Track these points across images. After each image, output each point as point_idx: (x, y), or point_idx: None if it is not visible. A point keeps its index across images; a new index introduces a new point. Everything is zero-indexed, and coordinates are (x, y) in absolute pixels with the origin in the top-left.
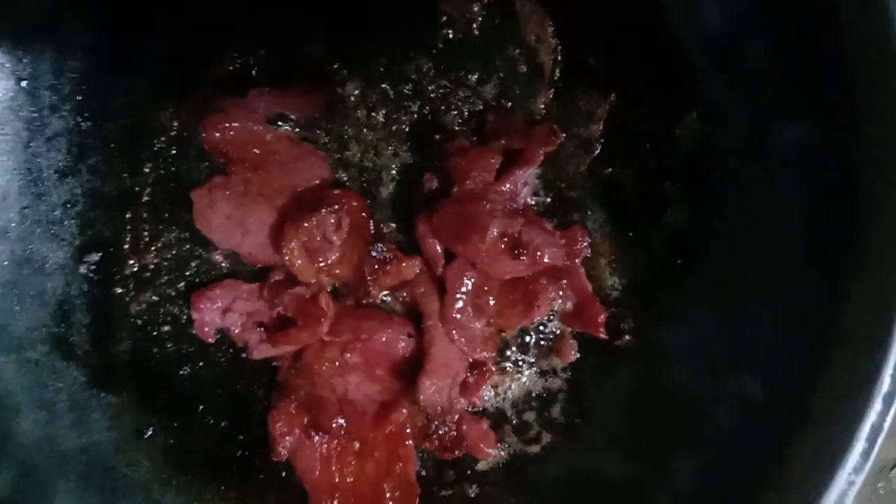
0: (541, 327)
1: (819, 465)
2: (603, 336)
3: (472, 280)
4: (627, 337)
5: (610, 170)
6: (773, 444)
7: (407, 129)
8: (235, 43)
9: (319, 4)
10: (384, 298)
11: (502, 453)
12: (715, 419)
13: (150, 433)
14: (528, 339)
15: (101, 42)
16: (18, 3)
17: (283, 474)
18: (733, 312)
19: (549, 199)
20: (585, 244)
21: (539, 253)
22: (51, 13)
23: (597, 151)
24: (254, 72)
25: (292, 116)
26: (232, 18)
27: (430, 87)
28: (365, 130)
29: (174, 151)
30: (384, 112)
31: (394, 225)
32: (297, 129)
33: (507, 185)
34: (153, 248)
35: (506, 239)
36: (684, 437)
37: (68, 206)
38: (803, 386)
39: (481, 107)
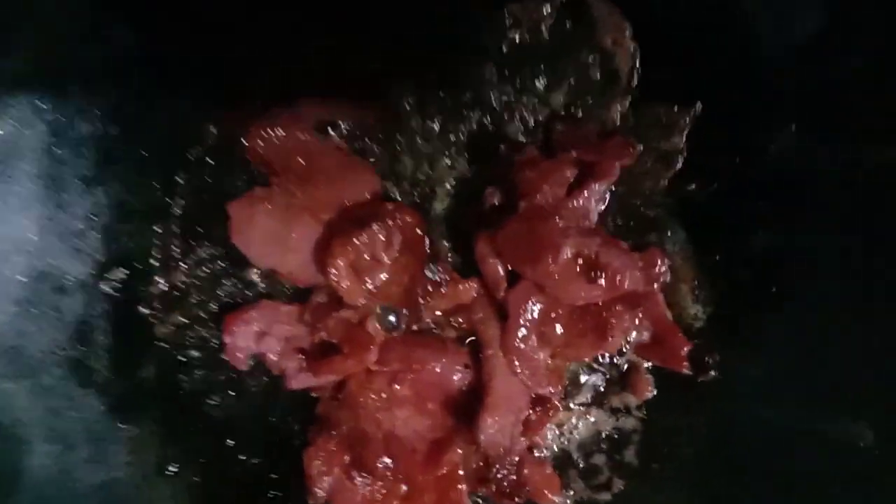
0: (613, 360)
1: None
2: (686, 371)
3: (539, 306)
4: (712, 372)
5: (692, 186)
6: (883, 492)
7: (465, 140)
8: (283, 49)
9: (372, 4)
10: (439, 325)
11: (568, 501)
12: (814, 464)
13: (174, 469)
14: (597, 374)
15: (142, 47)
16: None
17: None
18: (834, 345)
19: (622, 219)
20: (665, 268)
21: (619, 277)
22: (92, 20)
23: (678, 166)
24: (302, 79)
25: (342, 125)
26: (280, 24)
27: (492, 95)
28: (419, 141)
29: (212, 161)
30: (440, 121)
31: (449, 244)
32: (347, 140)
33: (580, 202)
34: (184, 265)
35: (580, 260)
36: (776, 484)
37: (93, 217)
38: None
39: (549, 116)
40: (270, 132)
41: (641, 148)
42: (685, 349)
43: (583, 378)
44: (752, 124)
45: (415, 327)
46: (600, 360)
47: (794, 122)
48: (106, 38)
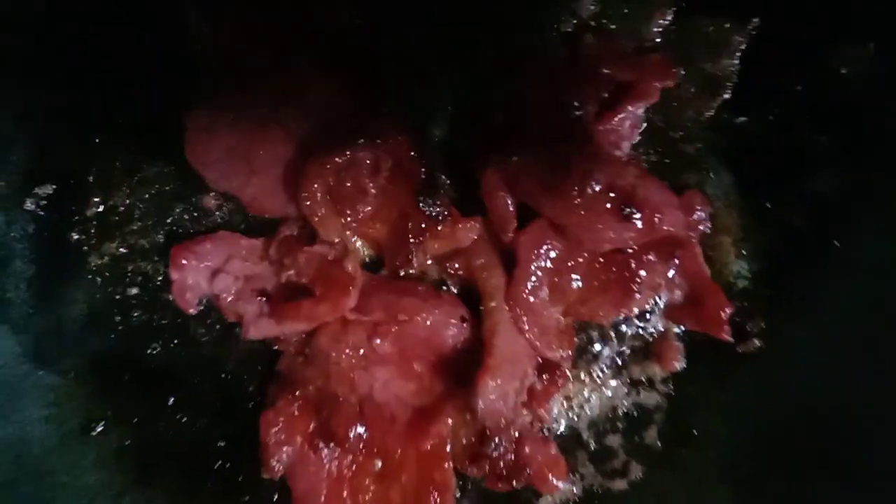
0: (637, 322)
1: None
2: (726, 339)
3: (554, 251)
4: (756, 341)
5: (744, 119)
6: None
7: (470, 49)
8: None
9: None
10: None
11: (575, 489)
12: (875, 445)
13: (100, 429)
14: (617, 337)
15: None
16: None
17: (276, 497)
18: None
19: (656, 155)
20: (705, 215)
21: (658, 216)
22: None
23: (727, 94)
24: None
25: (320, 20)
26: None
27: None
28: (414, 48)
29: (168, 59)
30: (441, 23)
31: (448, 174)
32: (328, 40)
33: (613, 125)
34: (127, 183)
35: (612, 194)
36: (829, 470)
37: (22, 119)
38: None
39: (575, 27)
40: (238, 22)
41: (683, 70)
42: (726, 312)
43: (599, 342)
44: (821, 43)
45: (402, 272)
46: (622, 322)
47: (874, 40)
48: None
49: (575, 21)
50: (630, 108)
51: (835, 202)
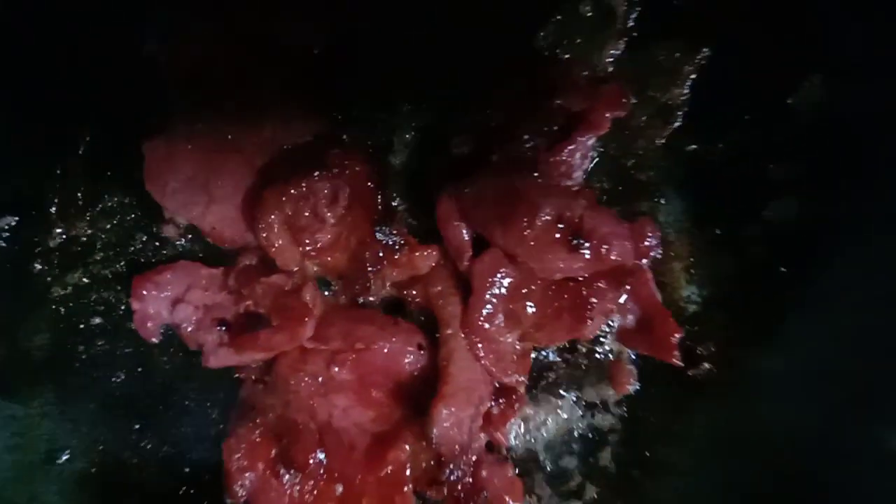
0: (590, 347)
1: None
2: (676, 363)
3: (508, 279)
4: (706, 365)
5: (694, 146)
6: None
7: (431, 78)
8: None
9: None
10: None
11: None
12: (833, 478)
13: (65, 458)
14: (572, 362)
15: None
16: None
17: None
18: (864, 336)
19: (609, 182)
20: (656, 242)
21: (605, 247)
22: None
23: (678, 122)
24: None
25: (282, 44)
26: None
27: (464, 27)
28: (376, 77)
29: (127, 87)
30: (402, 55)
31: (407, 203)
32: (289, 66)
33: (564, 156)
34: (88, 214)
35: (561, 225)
36: (785, 500)
37: None
38: None
39: (531, 56)
40: (197, 43)
41: (635, 99)
42: (676, 336)
43: (555, 367)
44: (770, 73)
45: (360, 300)
46: (576, 346)
47: (822, 71)
48: None
49: (530, 51)
50: (581, 138)
51: (791, 228)
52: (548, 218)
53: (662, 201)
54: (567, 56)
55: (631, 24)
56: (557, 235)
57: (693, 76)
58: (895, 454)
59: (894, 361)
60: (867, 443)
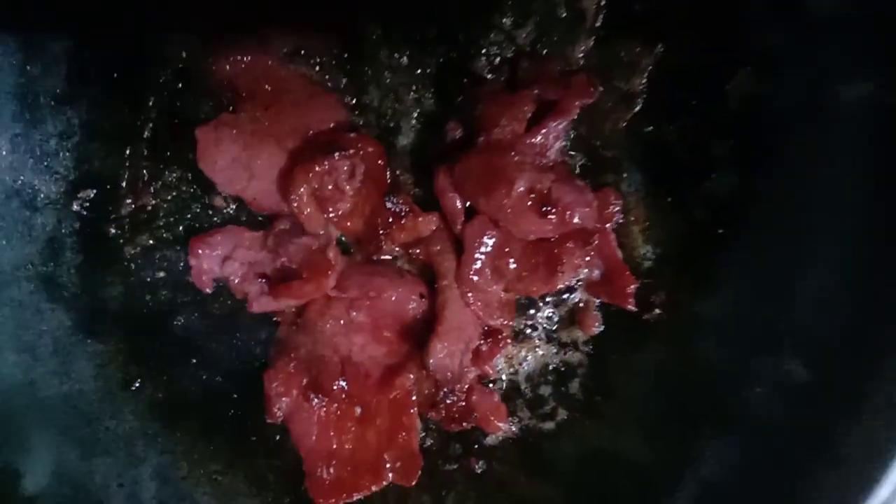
0: (563, 296)
1: (870, 456)
2: (632, 308)
3: (493, 240)
4: (657, 311)
5: (651, 128)
6: (817, 429)
7: (431, 74)
8: None
9: None
10: (397, 255)
11: (513, 428)
12: (751, 401)
13: (137, 385)
14: (548, 307)
15: None
16: None
17: (278, 438)
18: (776, 286)
19: (581, 158)
20: (618, 208)
21: (569, 212)
22: None
23: (638, 107)
24: (271, 5)
25: (309, 53)
26: None
27: (459, 30)
28: (386, 73)
29: (180, 85)
30: (408, 54)
31: (411, 177)
32: (314, 68)
33: (539, 138)
34: (152, 187)
35: (533, 195)
36: (716, 419)
37: (64, 137)
38: (857, 369)
39: (514, 53)
40: (238, 58)
41: (603, 88)
42: (632, 287)
43: (534, 313)
44: (711, 66)
45: (374, 257)
46: (551, 295)
47: (751, 64)
48: None
49: (514, 48)
50: (553, 123)
51: (727, 197)
52: (522, 190)
53: (625, 174)
54: (545, 52)
55: (599, 24)
56: (530, 204)
57: (650, 68)
58: (793, 380)
59: (799, 306)
60: (774, 371)
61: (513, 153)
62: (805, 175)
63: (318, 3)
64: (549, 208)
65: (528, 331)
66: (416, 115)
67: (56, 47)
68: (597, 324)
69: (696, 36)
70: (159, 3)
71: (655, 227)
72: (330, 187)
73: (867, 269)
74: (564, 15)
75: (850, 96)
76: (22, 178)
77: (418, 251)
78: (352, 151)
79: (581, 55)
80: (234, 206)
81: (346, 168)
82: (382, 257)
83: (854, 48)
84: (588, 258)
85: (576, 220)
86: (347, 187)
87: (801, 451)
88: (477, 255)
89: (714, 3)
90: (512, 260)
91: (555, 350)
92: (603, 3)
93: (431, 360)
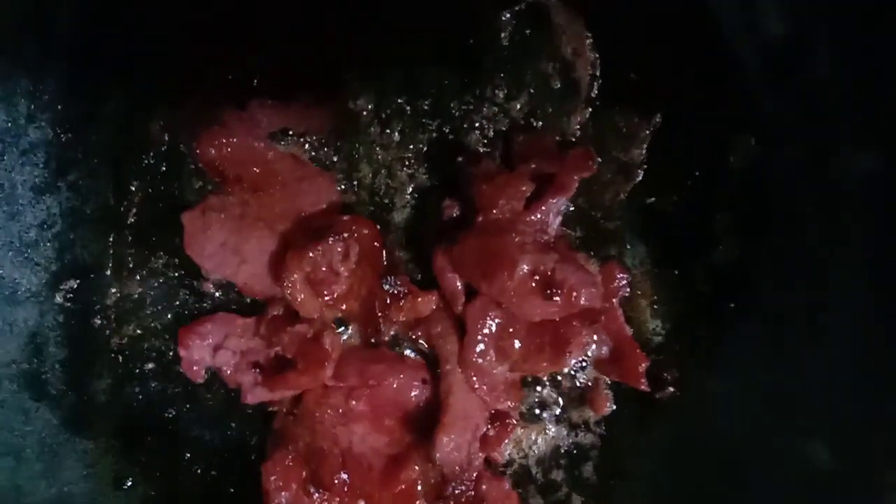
0: (572, 375)
1: None
2: (644, 388)
3: (497, 321)
4: (670, 388)
5: (652, 199)
6: None
7: (425, 149)
8: (235, 47)
9: (328, 5)
10: (397, 338)
11: None
12: (771, 484)
13: (129, 483)
14: (556, 388)
15: (85, 41)
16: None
17: None
18: (794, 364)
19: (582, 231)
20: (624, 283)
21: (574, 294)
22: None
23: (638, 178)
24: (255, 81)
25: (298, 132)
26: (232, 19)
27: (451, 103)
28: (378, 149)
29: (164, 168)
30: (400, 129)
31: (408, 255)
32: (303, 147)
33: (538, 215)
34: (138, 275)
35: (537, 277)
36: (735, 499)
37: (44, 227)
38: (882, 455)
39: (508, 126)
40: (222, 139)
41: (601, 160)
42: (643, 365)
43: (542, 393)
44: (712, 136)
45: (372, 341)
46: (560, 375)
47: (754, 135)
48: (48, 33)
49: (508, 121)
50: (552, 200)
51: (734, 268)
52: (524, 272)
53: (628, 246)
54: (540, 124)
55: (594, 94)
56: (534, 286)
57: (649, 138)
58: (810, 460)
59: (815, 382)
60: (790, 451)
61: (513, 233)
62: (813, 244)
63: (305, 80)
64: (553, 290)
65: (537, 412)
66: (410, 190)
67: (33, 134)
68: (608, 403)
69: (694, 105)
70: (140, 83)
71: (663, 300)
72: (324, 270)
73: (883, 342)
74: (558, 86)
75: (857, 163)
76: (1, 271)
77: (419, 333)
78: (346, 234)
79: (577, 126)
80: (224, 292)
81: (340, 250)
82: (381, 341)
83: (859, 113)
84: (596, 336)
85: (582, 301)
86: (342, 269)
87: None
88: (480, 337)
89: (711, 70)
90: (517, 341)
91: (565, 432)
92: (597, 73)
93: (438, 455)
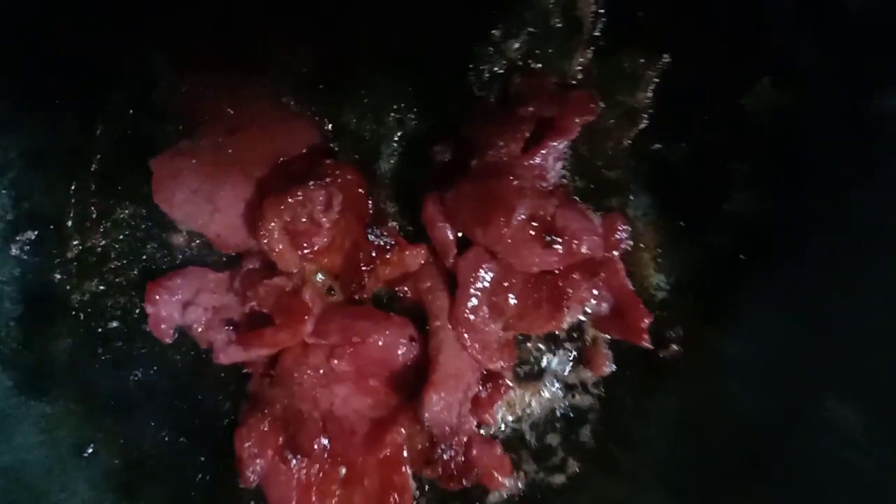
0: (570, 333)
1: None
2: (646, 345)
3: (491, 274)
4: (675, 347)
5: (659, 146)
6: (875, 484)
7: (415, 92)
8: None
9: None
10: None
11: (519, 484)
12: (793, 452)
13: (90, 451)
14: (553, 347)
15: None
16: None
17: None
18: (815, 318)
19: (582, 181)
20: (626, 235)
21: (575, 241)
22: None
23: (643, 124)
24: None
25: (278, 71)
26: None
27: (444, 43)
28: (363, 92)
29: (132, 110)
30: (389, 70)
31: (396, 207)
32: (284, 87)
33: (538, 159)
34: (102, 226)
35: (535, 223)
36: (750, 471)
37: (1, 171)
38: None
39: (506, 68)
40: (198, 76)
41: (604, 104)
42: (646, 321)
43: (537, 352)
44: (724, 78)
45: (356, 298)
46: (556, 333)
47: (772, 74)
48: None
49: (505, 62)
50: (552, 143)
51: (748, 220)
52: (523, 217)
53: (631, 197)
54: (539, 65)
55: (597, 33)
56: (532, 233)
57: (656, 81)
58: (829, 420)
59: (834, 339)
60: (809, 412)
61: (511, 177)
62: (838, 191)
63: (290, 14)
64: (553, 237)
65: (532, 372)
66: (397, 137)
67: None
68: (607, 363)
69: (706, 43)
70: (110, 19)
71: (668, 254)
72: (304, 220)
73: None
74: (559, 25)
75: (892, 104)
76: None
77: (406, 289)
78: (328, 180)
79: (579, 68)
80: (195, 245)
81: (321, 198)
82: (366, 297)
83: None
84: (596, 291)
85: (583, 249)
86: (324, 220)
87: None
88: (472, 292)
89: (724, 5)
90: (512, 295)
91: (562, 394)
92: (601, 10)
93: (427, 414)
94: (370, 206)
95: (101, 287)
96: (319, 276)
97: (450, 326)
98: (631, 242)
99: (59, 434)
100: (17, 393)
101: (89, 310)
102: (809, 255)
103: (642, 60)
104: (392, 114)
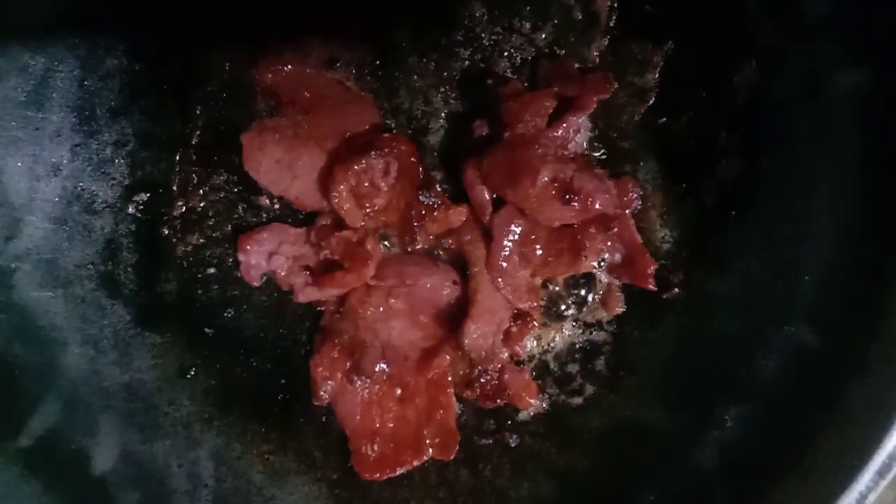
0: (587, 279)
1: (876, 412)
2: (652, 288)
3: (520, 228)
4: (676, 289)
5: (664, 120)
6: (827, 391)
7: (457, 76)
8: None
9: None
10: (431, 246)
11: (544, 404)
12: (765, 368)
13: (192, 373)
14: (573, 290)
15: None
16: None
17: (324, 419)
18: (785, 261)
19: (600, 150)
20: (636, 195)
21: (590, 199)
22: None
23: (651, 101)
24: (307, 15)
25: (344, 61)
26: None
27: (482, 34)
28: (415, 77)
29: (225, 95)
30: (435, 58)
31: (442, 173)
32: (349, 75)
33: (560, 132)
34: (201, 190)
35: (556, 184)
36: (732, 387)
37: (119, 145)
38: (860, 333)
39: (534, 54)
40: (279, 68)
41: (618, 84)
42: (652, 268)
43: (560, 296)
44: (718, 62)
45: (409, 249)
46: (576, 278)
47: (755, 57)
48: None
49: (533, 50)
50: (573, 117)
51: (736, 182)
52: (546, 180)
53: (641, 163)
54: (562, 52)
55: (612, 24)
56: (554, 193)
57: (661, 64)
58: (804, 345)
59: (804, 278)
60: (786, 340)
61: (536, 146)
62: (806, 158)
63: (351, 15)
64: (571, 196)
65: (555, 313)
66: (444, 115)
67: (111, 63)
68: (619, 304)
69: (702, 33)
70: (205, 22)
71: (671, 212)
72: (367, 184)
73: (865, 242)
74: (580, 17)
75: (847, 83)
76: (81, 184)
77: (450, 241)
78: (386, 150)
79: (596, 54)
80: (278, 206)
81: (381, 166)
82: (417, 248)
83: (849, 40)
84: (609, 242)
85: (597, 205)
86: (383, 184)
87: (811, 412)
88: (505, 243)
89: (717, 2)
90: (538, 246)
91: (581, 330)
92: (615, 4)
93: (466, 341)
94: (421, 172)
95: (201, 240)
96: (379, 232)
97: (486, 272)
98: (640, 202)
99: (168, 359)
100: (135, 325)
101: (191, 259)
102: (779, 210)
103: (650, 47)
104: (439, 95)
